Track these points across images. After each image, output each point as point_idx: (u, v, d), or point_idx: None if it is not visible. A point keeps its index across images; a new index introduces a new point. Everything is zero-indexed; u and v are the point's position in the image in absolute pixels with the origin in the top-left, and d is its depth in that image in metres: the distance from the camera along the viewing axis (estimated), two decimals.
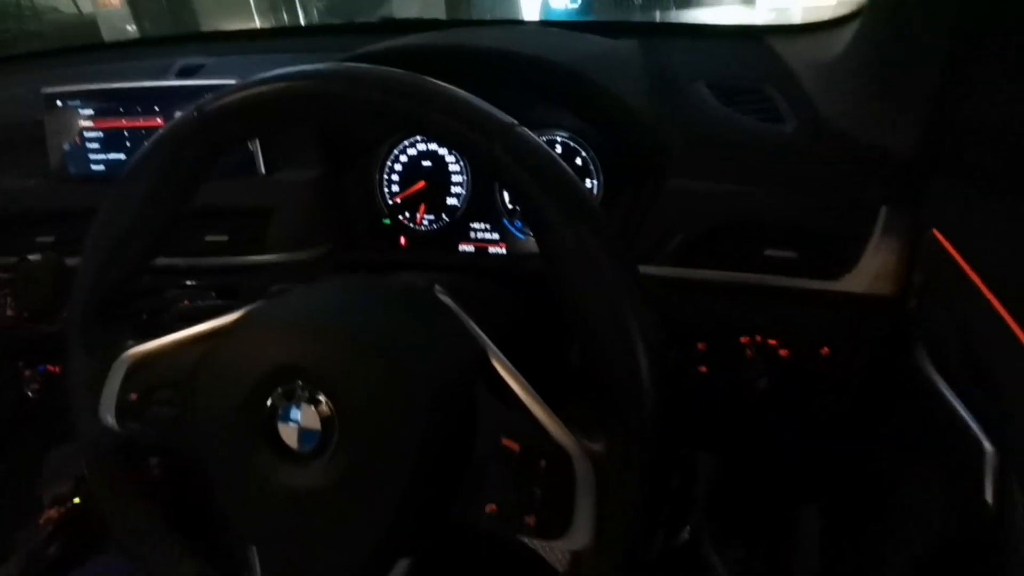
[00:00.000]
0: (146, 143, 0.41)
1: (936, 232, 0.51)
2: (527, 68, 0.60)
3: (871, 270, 0.55)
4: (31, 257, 0.63)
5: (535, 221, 0.36)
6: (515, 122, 0.36)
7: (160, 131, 0.41)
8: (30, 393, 0.72)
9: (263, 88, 0.38)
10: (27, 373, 0.72)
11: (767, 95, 0.68)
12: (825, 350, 0.57)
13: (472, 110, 0.35)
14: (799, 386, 0.59)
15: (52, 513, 0.67)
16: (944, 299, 0.47)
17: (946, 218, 0.51)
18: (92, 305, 0.44)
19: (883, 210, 0.55)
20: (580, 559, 0.37)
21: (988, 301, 0.41)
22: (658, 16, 4.33)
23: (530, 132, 0.36)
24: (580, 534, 0.36)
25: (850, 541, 0.64)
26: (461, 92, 0.36)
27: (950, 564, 0.47)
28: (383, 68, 0.37)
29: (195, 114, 0.39)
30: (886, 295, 0.55)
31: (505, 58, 0.61)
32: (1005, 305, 0.39)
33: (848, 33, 0.63)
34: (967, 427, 0.40)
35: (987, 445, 0.37)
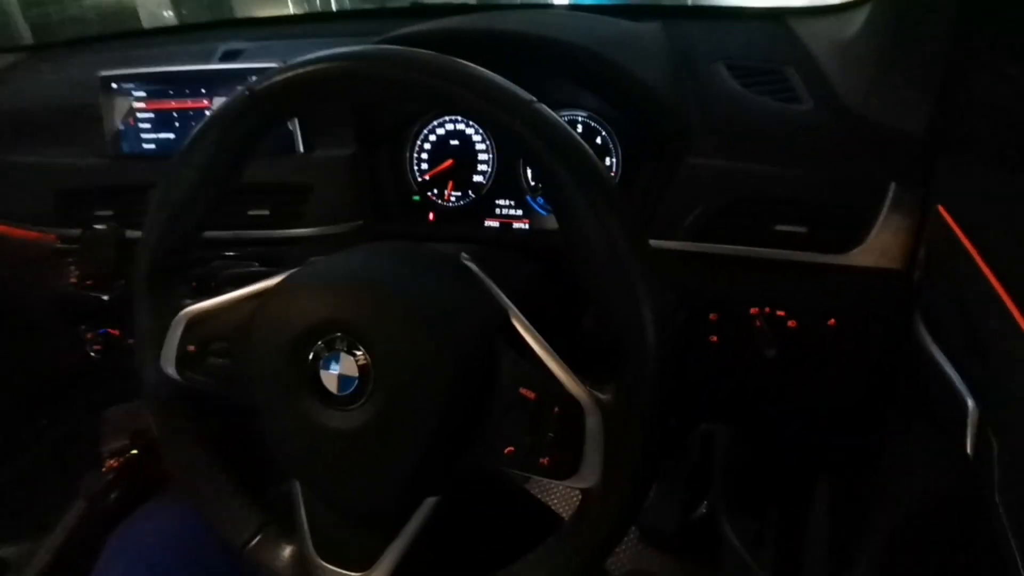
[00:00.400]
0: (203, 120, 0.46)
1: (941, 208, 0.53)
2: (549, 49, 0.63)
3: (879, 245, 0.58)
4: (96, 226, 0.69)
5: (551, 188, 0.39)
6: (534, 99, 0.39)
7: (215, 109, 0.45)
8: (92, 353, 0.78)
9: (306, 69, 0.42)
10: (89, 336, 0.79)
11: (786, 76, 0.70)
12: (831, 322, 0.59)
13: (495, 87, 0.39)
14: (806, 356, 0.61)
15: (112, 463, 0.74)
16: (944, 271, 0.49)
17: (951, 195, 0.53)
18: (155, 268, 0.49)
19: (892, 186, 0.57)
20: (589, 497, 0.41)
21: (984, 274, 0.43)
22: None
23: (548, 108, 0.39)
24: (589, 473, 0.40)
25: (854, 506, 0.66)
26: (485, 71, 0.40)
27: (938, 518, 0.50)
28: (414, 49, 0.41)
29: (246, 93, 0.44)
30: (893, 269, 0.57)
31: (528, 40, 0.64)
32: (1000, 279, 0.41)
33: (863, 14, 0.65)
34: (954, 388, 0.42)
35: (970, 402, 0.40)
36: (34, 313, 0.89)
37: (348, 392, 0.40)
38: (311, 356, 0.41)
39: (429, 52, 0.40)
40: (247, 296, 0.48)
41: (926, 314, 0.51)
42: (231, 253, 0.76)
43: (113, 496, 0.73)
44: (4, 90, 0.99)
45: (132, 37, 1.14)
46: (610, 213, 0.38)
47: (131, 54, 0.98)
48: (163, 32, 1.20)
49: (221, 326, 0.48)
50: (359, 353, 0.40)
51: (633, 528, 1.31)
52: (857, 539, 0.62)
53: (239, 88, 0.44)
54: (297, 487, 0.47)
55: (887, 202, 0.57)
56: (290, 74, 0.42)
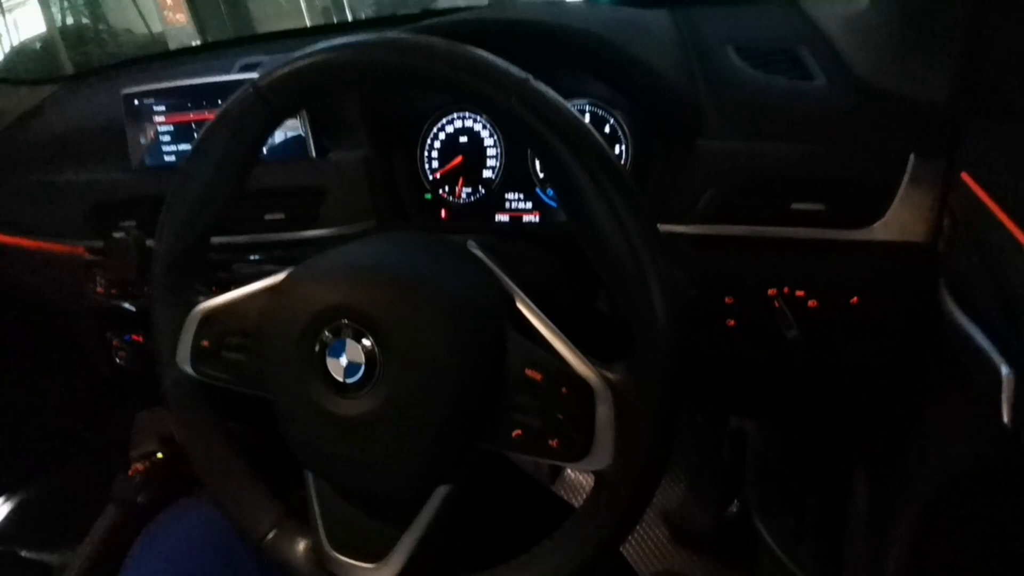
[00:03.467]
0: (211, 120, 0.47)
1: (965, 175, 0.50)
2: (557, 37, 0.63)
3: (900, 218, 0.55)
4: (116, 235, 0.71)
5: (551, 167, 0.39)
6: (530, 76, 0.39)
7: (222, 108, 0.46)
8: (118, 360, 0.81)
9: (306, 60, 0.42)
10: (115, 343, 0.81)
11: (798, 55, 0.69)
12: (854, 299, 0.57)
13: (489, 67, 0.39)
14: (829, 336, 0.59)
15: (139, 466, 0.75)
16: (971, 241, 0.47)
17: (976, 161, 0.50)
18: (171, 268, 0.50)
19: (912, 158, 0.55)
20: (602, 480, 0.40)
21: (1018, 240, 0.41)
22: None
23: (544, 85, 0.39)
24: (601, 456, 0.39)
25: (887, 490, 0.63)
26: (480, 51, 0.40)
27: (973, 487, 0.47)
28: (412, 35, 0.41)
29: (251, 89, 0.44)
30: (915, 242, 0.55)
31: (536, 27, 0.64)
32: None
33: None
34: (986, 356, 0.40)
35: (1004, 369, 0.38)
36: (68, 324, 0.92)
37: (355, 379, 0.40)
38: (318, 344, 0.41)
39: (426, 36, 0.41)
40: (259, 291, 0.48)
41: (952, 285, 0.49)
42: (255, 257, 0.78)
43: (140, 499, 0.74)
44: (43, 118, 1.03)
45: (159, 59, 1.18)
46: (613, 187, 0.37)
47: (158, 75, 1.01)
48: (186, 52, 1.24)
49: (234, 321, 0.48)
50: (365, 338, 0.40)
51: (665, 529, 1.28)
52: (891, 519, 0.59)
53: (243, 85, 0.45)
54: (310, 479, 0.47)
55: (907, 175, 0.55)
56: (291, 67, 0.43)
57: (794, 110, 0.61)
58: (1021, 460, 0.35)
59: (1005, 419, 0.37)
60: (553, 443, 0.40)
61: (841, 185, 0.58)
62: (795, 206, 0.58)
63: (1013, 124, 0.48)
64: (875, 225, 0.56)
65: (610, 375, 0.40)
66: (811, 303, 0.58)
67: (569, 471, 1.37)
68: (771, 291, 0.59)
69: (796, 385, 0.67)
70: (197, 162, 0.48)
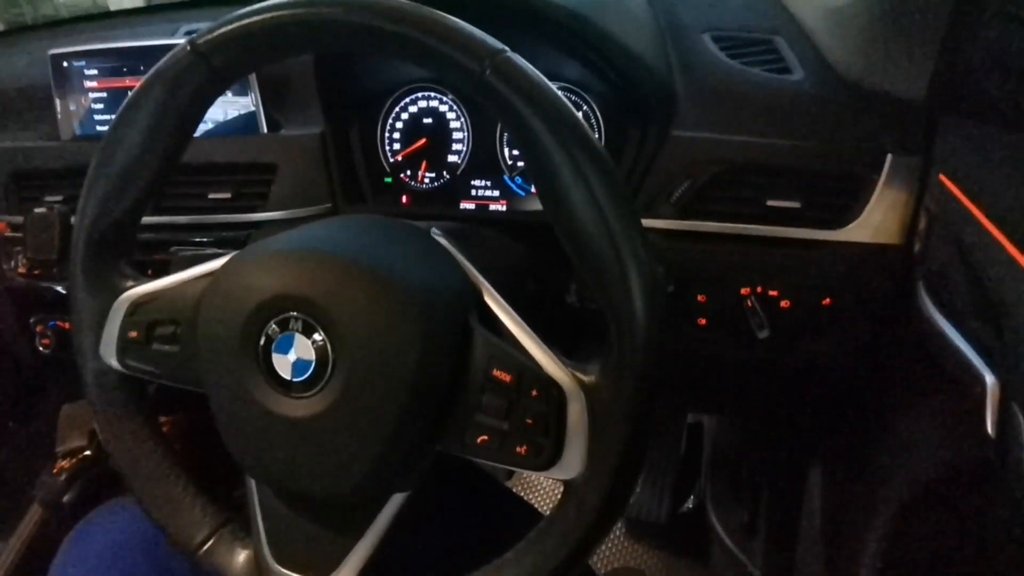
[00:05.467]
0: (141, 81, 0.42)
1: (943, 176, 0.50)
2: (532, 10, 0.60)
3: (875, 219, 0.55)
4: (38, 210, 0.64)
5: (526, 145, 0.36)
6: (506, 48, 0.35)
7: (154, 68, 0.41)
8: (41, 348, 0.74)
9: (252, 17, 0.38)
10: (39, 329, 0.74)
11: (775, 46, 0.67)
12: (827, 300, 0.56)
13: (463, 34, 0.35)
14: (800, 336, 0.58)
15: (64, 464, 0.69)
16: (948, 240, 0.46)
17: (954, 161, 0.50)
18: (92, 245, 0.45)
19: (889, 157, 0.54)
20: (572, 489, 0.38)
21: (997, 241, 0.40)
22: None
23: (521, 58, 0.35)
24: (571, 463, 0.37)
25: (852, 491, 0.63)
26: (453, 19, 0.36)
27: (946, 497, 0.47)
28: None
29: (188, 47, 0.39)
30: (891, 243, 0.54)
31: (514, 1, 0.60)
32: (1015, 244, 0.38)
33: None
34: (967, 361, 0.39)
35: (988, 377, 0.37)
36: None
37: (304, 378, 0.36)
38: (263, 339, 0.37)
39: None
40: (196, 277, 0.43)
41: (931, 287, 0.48)
42: (202, 239, 0.72)
43: (67, 499, 0.68)
44: None
45: (98, 19, 1.09)
46: (593, 169, 0.34)
47: (94, 35, 0.93)
48: (129, 13, 1.15)
49: (167, 309, 0.43)
50: (316, 332, 0.36)
51: (620, 522, 1.28)
52: (859, 520, 0.59)
53: (177, 42, 0.40)
54: (252, 484, 0.43)
55: (884, 174, 0.55)
56: (233, 25, 0.38)
57: (772, 103, 0.60)
58: (1002, 468, 0.34)
59: (989, 429, 0.36)
60: (521, 449, 0.37)
61: (817, 182, 0.56)
62: (771, 203, 0.57)
63: (991, 122, 0.48)
64: (850, 226, 0.55)
65: (583, 377, 0.37)
66: (784, 303, 0.57)
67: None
68: (744, 290, 0.57)
69: (763, 384, 0.66)
70: (124, 128, 0.42)
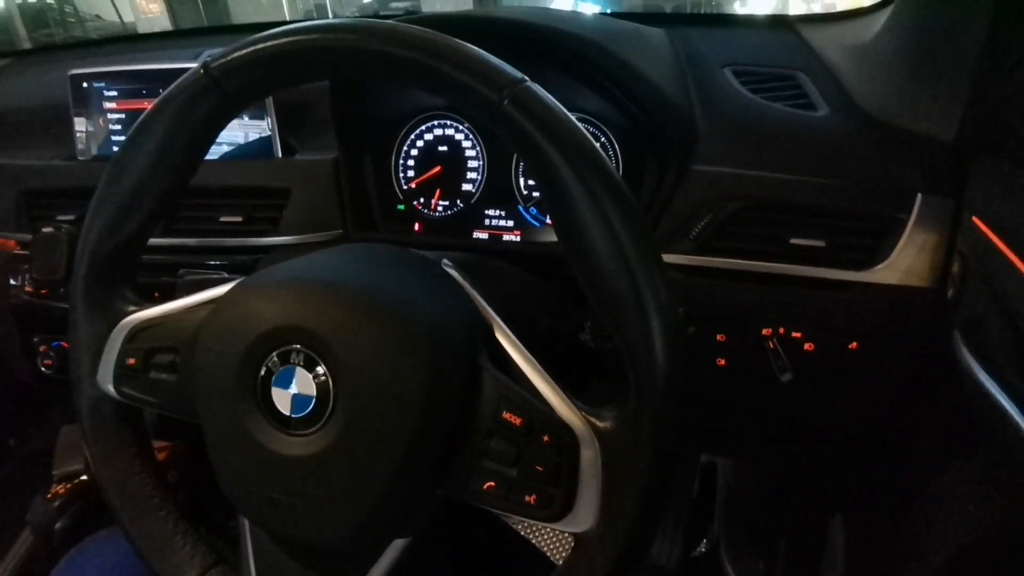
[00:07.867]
0: (154, 102, 0.41)
1: (976, 219, 0.48)
2: (554, 41, 0.59)
3: (905, 261, 0.52)
4: (46, 230, 0.64)
5: (544, 178, 0.34)
6: (525, 77, 0.34)
7: (166, 91, 0.40)
8: (43, 368, 0.72)
9: (268, 43, 0.37)
10: (42, 348, 0.73)
11: (798, 82, 0.66)
12: (853, 345, 0.54)
13: (481, 62, 0.34)
14: (824, 382, 0.55)
15: (59, 489, 0.67)
16: (985, 287, 0.44)
17: (987, 203, 0.48)
18: (95, 267, 0.43)
19: (919, 196, 0.52)
20: (583, 544, 0.35)
21: None
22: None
23: (541, 88, 0.34)
24: (583, 516, 0.34)
25: (879, 546, 0.60)
26: (471, 47, 0.35)
27: (986, 565, 0.44)
28: (394, 23, 0.36)
29: (201, 71, 0.39)
30: (921, 286, 0.52)
31: (532, 30, 0.60)
32: None
33: (882, 18, 0.61)
34: (1007, 415, 0.37)
35: None
36: None
37: (304, 414, 0.34)
38: (263, 371, 0.35)
39: (410, 25, 0.36)
40: (199, 303, 0.42)
41: (967, 336, 0.45)
42: (215, 262, 0.71)
43: (59, 526, 0.66)
44: None
45: (119, 43, 1.11)
46: (612, 203, 0.32)
47: (117, 57, 0.94)
48: (151, 37, 1.17)
49: (166, 336, 0.42)
50: (318, 366, 0.34)
51: None
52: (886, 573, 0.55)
53: (194, 66, 0.39)
54: (245, 524, 0.41)
55: (914, 214, 0.53)
56: (247, 50, 0.37)
57: (796, 139, 0.58)
58: None
59: None
60: (529, 499, 0.34)
61: (843, 220, 0.54)
62: (794, 241, 0.55)
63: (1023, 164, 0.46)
64: (878, 267, 0.53)
65: (598, 423, 0.35)
66: (807, 346, 0.54)
67: None
68: (765, 331, 0.55)
69: (783, 429, 0.63)
70: (133, 151, 0.41)
